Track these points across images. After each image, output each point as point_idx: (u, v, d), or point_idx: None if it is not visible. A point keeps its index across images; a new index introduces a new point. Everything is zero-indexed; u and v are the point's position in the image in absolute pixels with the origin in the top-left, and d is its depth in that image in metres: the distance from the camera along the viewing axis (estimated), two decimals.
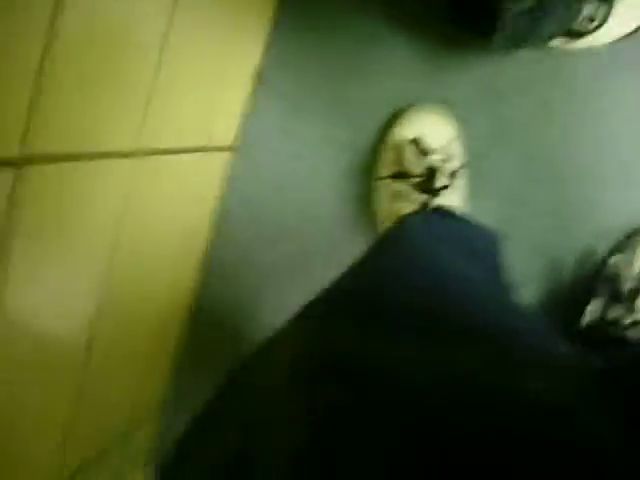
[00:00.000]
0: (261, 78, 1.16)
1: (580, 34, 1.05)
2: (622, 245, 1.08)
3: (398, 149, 1.05)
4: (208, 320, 1.25)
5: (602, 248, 1.11)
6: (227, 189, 1.20)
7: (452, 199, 1.03)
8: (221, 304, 1.24)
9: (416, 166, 1.02)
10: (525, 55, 1.08)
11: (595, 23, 1.05)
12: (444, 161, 1.03)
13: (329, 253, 1.18)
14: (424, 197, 1.00)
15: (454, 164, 1.05)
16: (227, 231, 1.21)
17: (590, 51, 1.07)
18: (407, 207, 1.01)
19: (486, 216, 1.11)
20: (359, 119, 1.14)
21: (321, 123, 1.15)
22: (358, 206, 1.17)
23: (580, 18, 1.03)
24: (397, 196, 1.03)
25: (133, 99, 0.78)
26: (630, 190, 1.09)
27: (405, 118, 1.07)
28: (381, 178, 1.07)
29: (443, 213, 0.99)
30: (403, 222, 0.93)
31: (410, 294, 0.61)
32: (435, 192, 1.00)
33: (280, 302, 1.20)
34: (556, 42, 1.05)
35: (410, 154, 1.02)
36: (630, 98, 1.07)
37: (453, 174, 1.03)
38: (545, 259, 1.13)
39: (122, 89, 0.74)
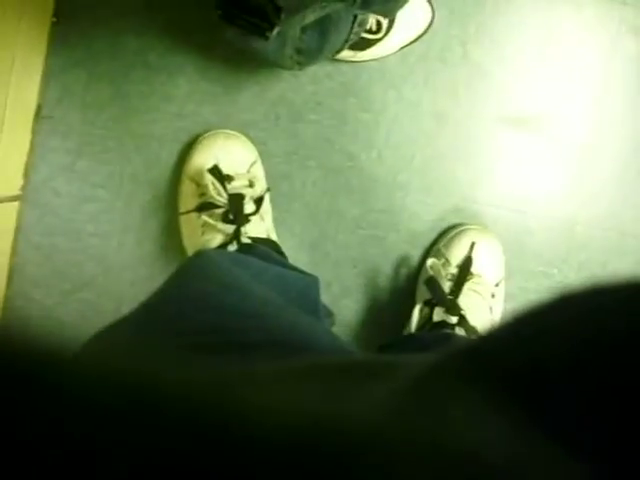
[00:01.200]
0: (42, 118, 1.07)
1: (368, 44, 1.05)
2: (436, 247, 1.09)
3: (198, 180, 1.00)
4: None
5: (415, 254, 1.11)
6: (19, 241, 1.09)
7: (261, 225, 0.99)
8: None
9: (219, 196, 0.97)
10: (317, 70, 1.07)
11: (381, 33, 1.05)
12: (247, 187, 0.99)
13: (138, 296, 1.10)
14: (232, 227, 0.96)
15: (258, 189, 1.01)
16: (23, 287, 1.10)
17: (379, 60, 1.08)
18: (216, 238, 0.96)
19: (297, 236, 1.09)
20: (153, 152, 1.08)
21: (113, 159, 1.08)
22: (162, 242, 1.10)
23: (366, 29, 1.03)
24: (204, 229, 0.97)
25: None
26: (429, 194, 1.10)
27: (200, 147, 1.03)
28: (185, 213, 1.02)
29: (259, 254, 0.94)
30: (201, 253, 0.86)
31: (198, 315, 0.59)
32: (244, 221, 0.96)
33: None
34: (346, 54, 1.04)
35: (211, 184, 0.97)
36: (422, 99, 1.09)
37: (259, 200, 1.00)
38: (362, 270, 1.12)
39: None
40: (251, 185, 1.00)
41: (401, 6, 0.92)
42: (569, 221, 1.13)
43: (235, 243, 0.95)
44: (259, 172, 1.04)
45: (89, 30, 1.06)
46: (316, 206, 1.10)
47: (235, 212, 0.96)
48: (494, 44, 1.09)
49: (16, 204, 1.07)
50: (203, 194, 0.99)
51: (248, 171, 1.02)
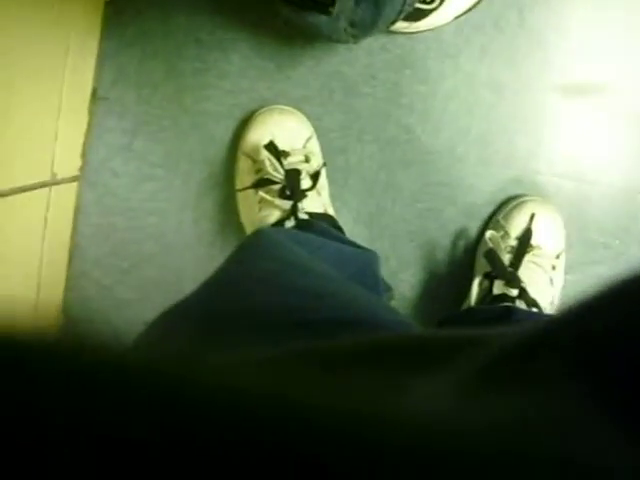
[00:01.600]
0: (97, 99, 1.08)
1: (423, 14, 1.04)
2: (494, 219, 1.08)
3: (254, 156, 1.00)
4: None
5: (474, 226, 1.10)
6: (78, 221, 1.11)
7: (318, 200, 0.98)
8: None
9: (276, 171, 0.97)
10: (371, 42, 1.06)
11: (435, 3, 1.03)
12: (303, 162, 0.99)
13: (197, 273, 1.11)
14: (289, 202, 0.95)
15: (314, 164, 1.01)
16: (83, 267, 1.12)
17: (434, 31, 1.06)
18: (273, 214, 0.96)
19: (354, 211, 1.08)
20: (208, 129, 1.08)
21: (167, 138, 1.09)
22: (219, 219, 1.10)
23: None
24: (262, 205, 0.97)
25: None
26: (488, 165, 1.09)
27: (256, 123, 1.02)
28: (242, 189, 1.02)
29: (317, 230, 0.94)
30: (260, 231, 0.84)
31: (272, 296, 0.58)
32: (301, 196, 0.96)
33: None
34: (400, 25, 1.03)
35: (267, 160, 0.97)
36: (478, 70, 1.07)
37: (315, 175, 0.99)
38: (419, 244, 1.11)
39: None
40: (307, 160, 0.99)
41: None
42: (631, 191, 1.10)
43: (293, 219, 0.95)
44: (315, 147, 1.03)
45: (141, 9, 1.07)
46: (373, 180, 1.09)
47: (292, 187, 0.95)
48: (551, 11, 1.06)
49: (75, 185, 1.09)
50: (259, 170, 0.99)
51: (304, 146, 1.01)
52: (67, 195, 1.07)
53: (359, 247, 0.94)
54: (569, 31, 1.06)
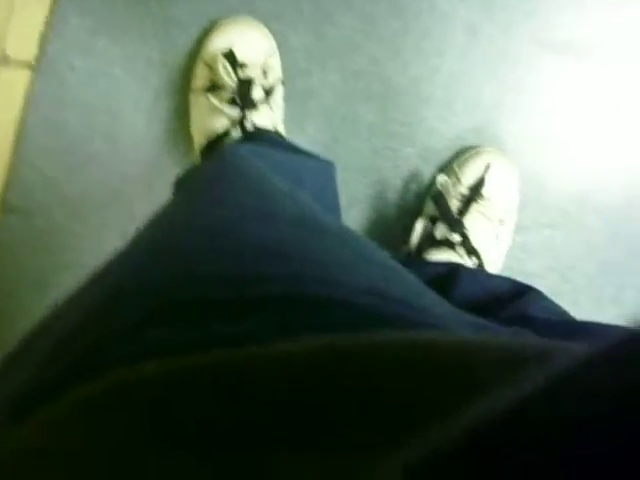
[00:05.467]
0: None
1: None
2: (449, 165, 1.06)
3: (211, 62, 0.97)
4: (7, 262, 1.13)
5: (428, 170, 1.08)
6: (28, 110, 1.08)
7: (269, 116, 0.96)
8: (23, 242, 1.12)
9: (230, 79, 0.94)
10: None
11: None
12: (260, 75, 0.97)
13: (144, 177, 1.09)
14: (239, 111, 0.93)
15: (271, 79, 0.98)
16: (29, 156, 1.09)
17: None
18: (222, 121, 0.94)
19: (309, 137, 1.06)
20: (169, 35, 1.05)
21: (129, 40, 1.06)
22: (171, 125, 1.08)
23: None
24: (211, 110, 0.95)
25: None
26: (451, 110, 1.06)
27: (218, 30, 1.00)
28: (194, 91, 0.99)
29: (268, 139, 0.92)
30: (224, 152, 0.73)
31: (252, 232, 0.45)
32: (250, 106, 0.93)
33: (94, 238, 1.10)
34: None
35: (223, 67, 0.95)
36: (456, 11, 1.04)
37: (270, 90, 0.97)
38: (371, 180, 1.09)
39: None
40: (264, 74, 0.97)
41: None
42: (594, 160, 1.08)
43: (239, 129, 0.92)
44: (275, 63, 1.01)
45: None
46: (332, 109, 1.07)
47: (242, 96, 0.93)
48: None
49: (29, 73, 1.06)
50: (214, 76, 0.96)
51: (264, 60, 0.98)
52: (18, 80, 1.04)
53: (316, 158, 0.91)
54: None
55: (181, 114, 1.06)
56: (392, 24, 1.05)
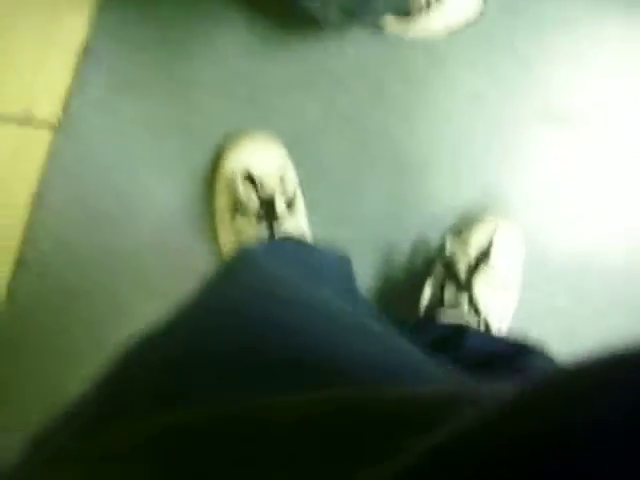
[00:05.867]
0: (87, 51, 1.09)
1: (415, 18, 1.06)
2: (456, 230, 1.09)
3: (230, 182, 1.05)
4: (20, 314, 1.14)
5: (434, 235, 1.12)
6: (48, 168, 1.12)
7: (294, 224, 1.04)
8: (35, 298, 1.14)
9: (252, 200, 1.02)
10: (362, 39, 1.08)
11: (430, 10, 1.06)
12: (280, 189, 1.04)
13: (156, 245, 1.12)
14: (266, 227, 1.01)
15: (290, 190, 1.06)
16: (46, 213, 1.13)
17: (429, 41, 1.08)
18: (250, 238, 1.02)
19: (321, 205, 1.11)
20: (192, 97, 1.10)
21: (151, 103, 1.10)
22: (187, 190, 1.13)
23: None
24: (239, 231, 1.04)
25: None
26: (457, 176, 1.11)
27: (235, 150, 1.07)
28: (218, 210, 1.08)
29: (287, 240, 0.99)
30: (242, 252, 0.76)
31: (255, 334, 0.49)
32: (275, 219, 1.02)
33: (99, 298, 1.12)
34: (394, 27, 1.05)
35: (244, 189, 1.02)
36: (463, 80, 1.09)
37: (291, 201, 1.05)
38: (379, 246, 1.12)
39: None
40: (283, 187, 1.04)
41: None
42: (597, 230, 1.12)
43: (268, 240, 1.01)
44: (291, 174, 1.08)
45: None
46: (342, 177, 1.12)
47: (266, 214, 1.01)
48: (543, 36, 1.08)
49: (50, 131, 1.10)
50: (236, 198, 1.03)
51: (281, 176, 1.05)
52: (41, 138, 1.08)
53: (333, 252, 0.97)
54: (557, 59, 1.09)
55: (197, 182, 1.11)
56: (400, 89, 1.09)
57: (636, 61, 1.08)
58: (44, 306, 1.14)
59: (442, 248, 1.07)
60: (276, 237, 1.01)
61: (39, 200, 1.12)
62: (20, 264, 1.13)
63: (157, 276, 1.11)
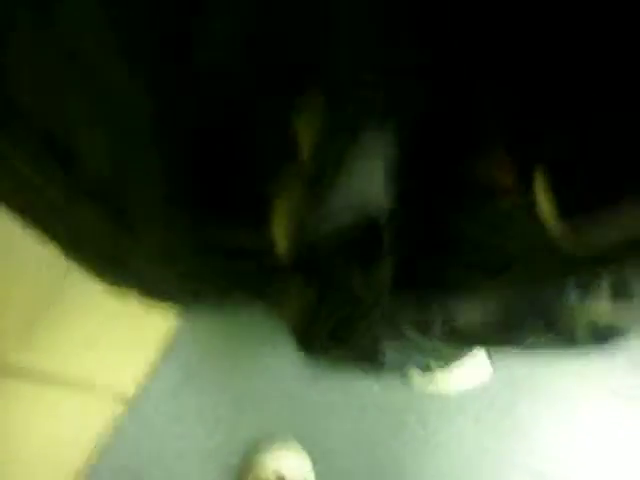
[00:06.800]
0: (169, 346, 1.34)
1: (433, 376, 1.26)
2: None
3: None
4: None
5: None
6: (111, 439, 1.30)
7: None
8: None
9: None
10: (389, 380, 1.29)
11: (446, 372, 1.26)
12: None
13: None
14: None
15: None
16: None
17: (441, 394, 1.28)
18: None
19: None
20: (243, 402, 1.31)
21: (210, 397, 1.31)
22: None
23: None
24: None
25: None
26: None
27: (268, 455, 1.24)
28: None
29: None
30: None
31: None
32: None
33: None
34: (418, 380, 1.26)
35: None
36: (465, 444, 1.27)
37: None
38: None
39: None
40: None
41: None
42: None
43: None
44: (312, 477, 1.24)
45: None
46: None
47: None
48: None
49: (120, 406, 1.29)
50: None
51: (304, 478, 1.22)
52: (108, 410, 1.29)
53: None
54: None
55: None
56: (416, 446, 1.28)
57: None
58: None
59: None
60: None
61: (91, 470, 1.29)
62: None
63: None
